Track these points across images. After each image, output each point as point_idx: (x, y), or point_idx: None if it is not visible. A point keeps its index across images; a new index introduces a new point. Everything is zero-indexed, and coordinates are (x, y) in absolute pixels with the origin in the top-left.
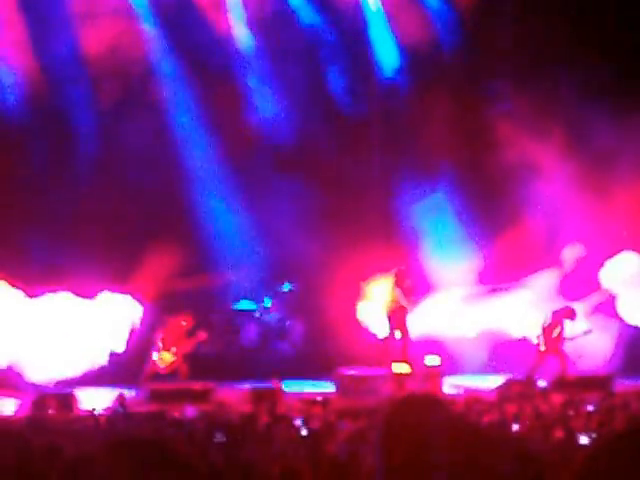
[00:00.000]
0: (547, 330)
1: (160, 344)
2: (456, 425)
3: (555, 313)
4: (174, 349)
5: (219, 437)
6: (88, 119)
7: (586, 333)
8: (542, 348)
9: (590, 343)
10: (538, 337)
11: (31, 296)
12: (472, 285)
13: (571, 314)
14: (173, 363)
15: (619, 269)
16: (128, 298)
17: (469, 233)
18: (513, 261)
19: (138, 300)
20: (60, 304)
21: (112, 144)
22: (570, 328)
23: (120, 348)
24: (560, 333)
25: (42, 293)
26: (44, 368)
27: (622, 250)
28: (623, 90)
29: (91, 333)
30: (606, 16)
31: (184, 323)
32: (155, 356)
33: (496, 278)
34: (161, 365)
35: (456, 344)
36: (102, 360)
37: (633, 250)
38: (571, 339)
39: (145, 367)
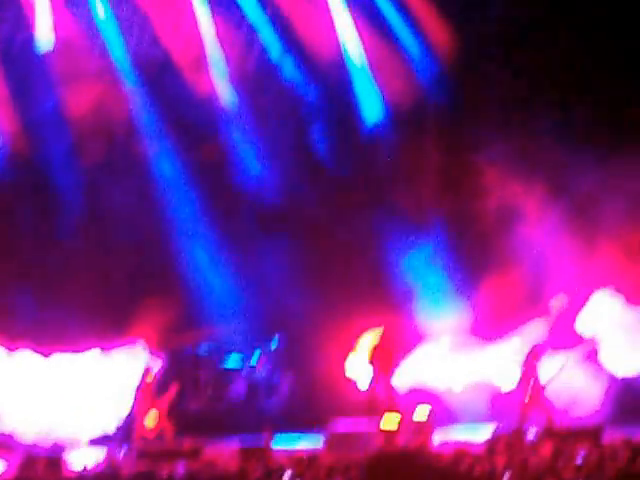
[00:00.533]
0: (524, 380)
1: (140, 405)
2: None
3: (524, 362)
4: (154, 410)
5: None
6: (72, 178)
7: (562, 369)
8: (526, 399)
9: (580, 392)
10: (518, 389)
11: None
12: (462, 336)
13: (537, 354)
14: (159, 422)
15: (598, 313)
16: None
17: (458, 284)
18: (502, 311)
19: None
20: (58, 363)
21: (97, 202)
22: (546, 369)
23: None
24: (536, 380)
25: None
26: (42, 430)
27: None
28: (605, 134)
29: (98, 395)
30: (587, 61)
31: (149, 380)
32: (140, 418)
33: (485, 329)
34: (148, 426)
35: (446, 396)
36: (111, 425)
37: (613, 292)
38: (550, 381)
39: (134, 428)
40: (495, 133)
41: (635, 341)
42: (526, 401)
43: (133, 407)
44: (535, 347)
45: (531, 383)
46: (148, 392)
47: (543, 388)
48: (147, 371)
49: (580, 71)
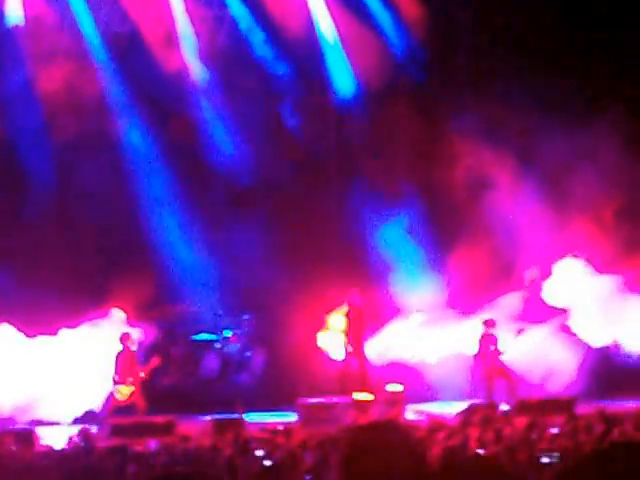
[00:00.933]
0: (481, 353)
1: (116, 376)
2: (416, 452)
3: (480, 338)
4: (130, 379)
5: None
6: (43, 155)
7: (519, 332)
8: (485, 370)
9: (554, 364)
10: (476, 361)
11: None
12: (436, 310)
13: (490, 324)
14: (132, 394)
15: (569, 283)
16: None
17: (433, 257)
18: (476, 283)
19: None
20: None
21: (69, 179)
22: (503, 339)
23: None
24: (495, 350)
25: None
26: (19, 405)
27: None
28: (577, 103)
29: (75, 371)
30: (558, 30)
31: (130, 345)
32: (114, 389)
33: (460, 302)
34: (120, 398)
35: (420, 370)
36: (87, 400)
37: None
38: (508, 349)
39: (106, 401)
40: (467, 104)
41: (607, 310)
42: (484, 373)
43: (111, 377)
44: (489, 319)
45: (491, 355)
46: (128, 360)
47: (502, 359)
48: (125, 338)
49: (551, 40)
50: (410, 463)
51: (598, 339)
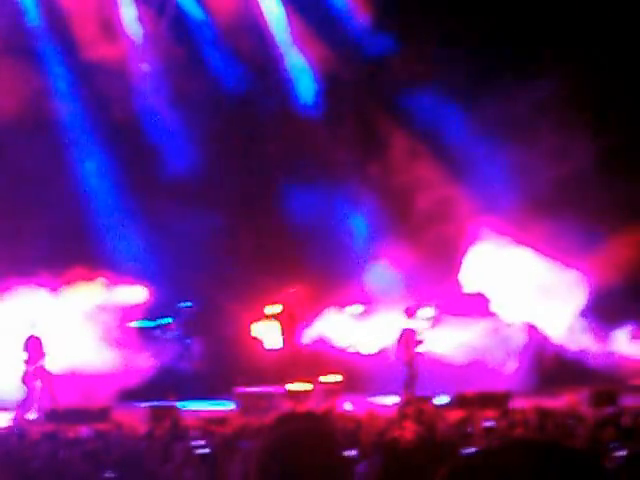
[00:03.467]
0: (402, 344)
1: (27, 359)
2: (332, 445)
3: (403, 331)
4: (40, 363)
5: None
6: None
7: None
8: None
9: (490, 358)
10: (394, 351)
11: None
12: (377, 301)
13: (410, 312)
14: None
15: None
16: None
17: (378, 247)
18: (417, 275)
19: None
20: None
21: (6, 162)
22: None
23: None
24: (415, 340)
25: None
26: None
27: None
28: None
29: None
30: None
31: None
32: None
33: (404, 294)
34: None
35: (357, 361)
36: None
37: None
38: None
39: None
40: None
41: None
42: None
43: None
44: (409, 307)
45: (407, 345)
46: (37, 344)
47: (415, 348)
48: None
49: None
50: (325, 458)
51: (521, 317)
